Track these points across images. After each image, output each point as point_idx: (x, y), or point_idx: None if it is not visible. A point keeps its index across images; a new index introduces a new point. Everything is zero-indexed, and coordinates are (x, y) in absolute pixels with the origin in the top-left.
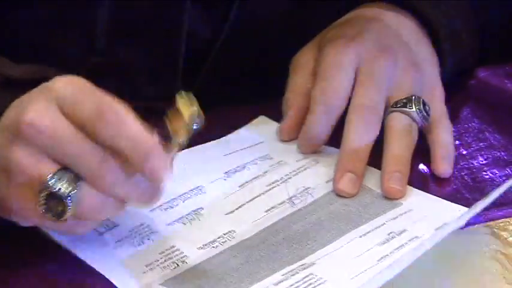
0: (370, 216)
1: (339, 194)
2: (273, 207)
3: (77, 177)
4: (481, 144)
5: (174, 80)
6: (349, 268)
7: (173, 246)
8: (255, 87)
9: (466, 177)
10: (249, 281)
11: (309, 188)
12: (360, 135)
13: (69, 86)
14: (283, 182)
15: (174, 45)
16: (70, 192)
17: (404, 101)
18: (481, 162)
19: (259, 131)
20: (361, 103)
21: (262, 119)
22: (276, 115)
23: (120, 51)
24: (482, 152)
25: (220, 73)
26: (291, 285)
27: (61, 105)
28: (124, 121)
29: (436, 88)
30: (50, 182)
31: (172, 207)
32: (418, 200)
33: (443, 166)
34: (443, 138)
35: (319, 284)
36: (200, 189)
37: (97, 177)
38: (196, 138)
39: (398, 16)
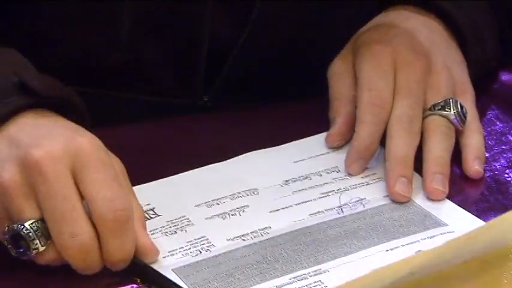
0: (408, 231)
1: (396, 201)
2: (318, 212)
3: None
4: (503, 146)
5: (196, 78)
6: None
7: (203, 236)
8: (277, 85)
9: (488, 180)
10: (255, 281)
11: (363, 199)
12: (405, 143)
13: (93, 160)
14: (338, 192)
15: (196, 43)
16: (38, 246)
17: (442, 104)
18: (503, 165)
19: None
20: (403, 113)
21: None
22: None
23: (143, 48)
24: (505, 155)
25: (242, 71)
26: None
27: (75, 169)
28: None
29: (467, 91)
30: (25, 226)
31: (218, 204)
32: (464, 223)
33: (475, 167)
34: (475, 140)
35: None
36: (253, 192)
37: (66, 252)
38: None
39: (427, 20)
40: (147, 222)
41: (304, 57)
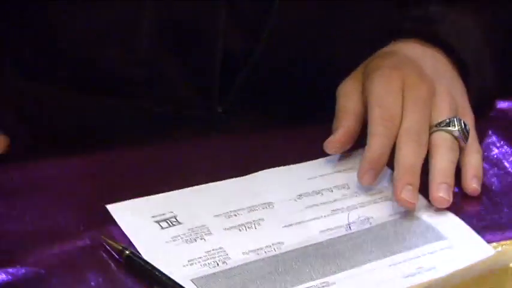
0: (410, 245)
1: (402, 206)
2: (328, 229)
3: None
4: (498, 171)
5: (211, 90)
6: None
7: (221, 248)
8: (292, 96)
9: (484, 199)
10: None
11: (371, 217)
12: (413, 153)
13: None
14: (348, 210)
15: (210, 56)
16: None
17: (447, 121)
18: (498, 188)
19: (354, 158)
20: (412, 126)
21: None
22: None
23: (159, 61)
24: (500, 178)
25: (257, 82)
26: None
27: None
28: None
29: (467, 115)
30: None
31: (236, 216)
32: (463, 237)
33: (473, 185)
34: (474, 159)
35: None
36: (268, 205)
37: None
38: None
39: (431, 51)
40: (170, 229)
41: (318, 70)
